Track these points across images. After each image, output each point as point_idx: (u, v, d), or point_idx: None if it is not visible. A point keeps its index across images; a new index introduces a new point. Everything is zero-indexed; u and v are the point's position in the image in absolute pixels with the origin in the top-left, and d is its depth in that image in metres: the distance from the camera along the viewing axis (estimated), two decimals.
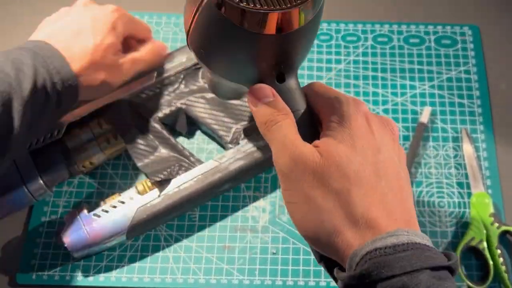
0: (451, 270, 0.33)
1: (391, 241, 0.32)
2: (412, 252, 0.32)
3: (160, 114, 0.62)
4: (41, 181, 0.56)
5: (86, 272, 0.58)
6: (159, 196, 0.57)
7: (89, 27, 0.54)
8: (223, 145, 0.63)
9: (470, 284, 0.56)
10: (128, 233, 0.57)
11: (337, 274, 0.35)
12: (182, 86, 0.63)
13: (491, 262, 0.57)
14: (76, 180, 0.63)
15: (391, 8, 0.74)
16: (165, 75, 0.63)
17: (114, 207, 0.57)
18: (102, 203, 0.58)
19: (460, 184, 0.62)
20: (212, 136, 0.64)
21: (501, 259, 0.57)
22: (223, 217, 0.61)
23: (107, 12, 0.56)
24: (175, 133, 0.65)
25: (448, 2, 0.74)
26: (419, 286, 0.31)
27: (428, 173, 0.63)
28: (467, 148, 0.63)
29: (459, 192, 0.62)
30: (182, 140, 0.65)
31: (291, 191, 0.36)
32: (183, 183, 0.58)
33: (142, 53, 0.59)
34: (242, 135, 0.60)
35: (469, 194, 0.61)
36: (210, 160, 0.59)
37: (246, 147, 0.59)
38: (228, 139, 0.61)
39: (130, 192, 0.58)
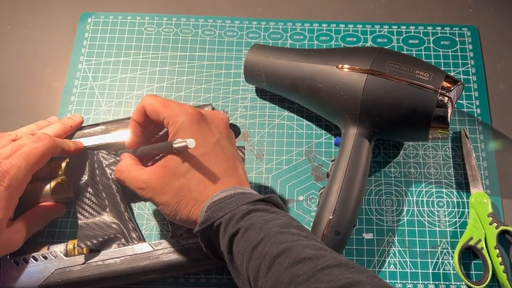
0: (269, 202, 0.48)
1: (222, 195, 0.47)
2: (237, 197, 0.46)
3: None
4: None
5: None
6: (82, 264, 0.54)
7: None
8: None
9: (469, 284, 0.57)
10: None
11: (195, 233, 0.47)
12: None
13: (489, 262, 0.57)
14: None
15: (391, 9, 0.74)
16: None
17: (35, 259, 0.54)
18: (27, 250, 0.54)
19: (459, 184, 0.63)
20: None
21: (499, 259, 0.57)
22: None
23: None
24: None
25: (447, 3, 0.74)
26: (241, 212, 0.45)
27: (427, 173, 0.63)
28: (466, 148, 0.63)
29: (458, 192, 0.62)
30: (140, 203, 0.62)
31: (157, 204, 0.50)
32: (109, 258, 0.54)
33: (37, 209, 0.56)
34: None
35: (468, 194, 0.62)
36: (146, 243, 0.55)
37: (187, 241, 0.55)
38: (175, 225, 0.57)
39: (59, 248, 0.55)
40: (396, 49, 0.70)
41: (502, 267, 0.57)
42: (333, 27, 0.72)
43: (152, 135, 0.56)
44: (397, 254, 0.59)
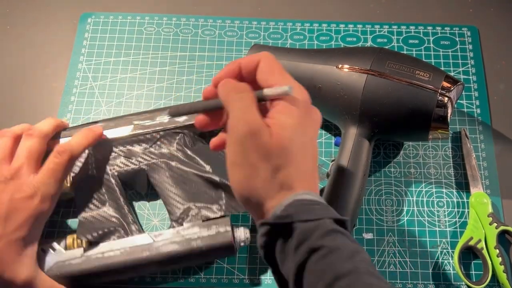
0: (344, 224, 0.43)
1: (307, 197, 0.42)
2: (321, 206, 0.42)
3: (120, 170, 0.59)
4: None
5: None
6: (81, 256, 0.54)
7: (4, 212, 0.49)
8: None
9: (469, 284, 0.57)
10: None
11: (260, 224, 0.42)
12: (155, 146, 0.60)
13: (489, 262, 0.57)
14: None
15: (391, 9, 0.74)
16: (142, 131, 0.60)
17: (44, 251, 0.54)
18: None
19: (459, 184, 0.63)
20: None
21: (499, 259, 0.57)
22: None
23: (27, 202, 0.51)
24: (137, 193, 0.62)
25: (447, 3, 0.74)
26: (326, 227, 0.40)
27: (427, 173, 0.63)
28: (466, 148, 0.63)
29: (458, 192, 0.62)
30: (140, 203, 0.62)
31: (239, 154, 0.43)
32: (109, 250, 0.54)
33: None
34: (188, 218, 0.56)
35: (468, 194, 0.62)
36: (146, 234, 0.55)
37: (187, 231, 0.54)
38: (174, 216, 0.57)
39: (58, 242, 0.55)
40: (396, 49, 0.70)
41: (502, 267, 0.57)
42: (333, 27, 0.72)
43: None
44: (397, 254, 0.59)
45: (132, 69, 0.70)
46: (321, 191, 0.58)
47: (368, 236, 0.60)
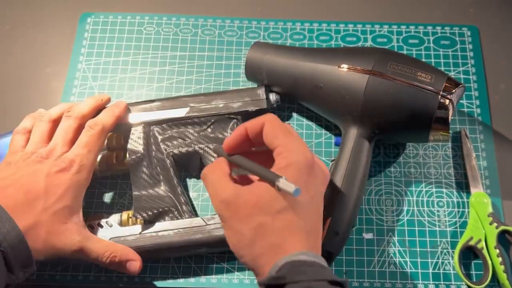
0: (342, 284, 0.42)
1: (302, 258, 0.43)
2: (317, 268, 0.43)
3: (175, 151, 0.61)
4: None
5: (88, 272, 0.58)
6: (136, 234, 0.56)
7: (42, 187, 0.51)
8: None
9: (469, 284, 0.57)
10: None
11: (258, 284, 0.44)
12: (209, 130, 0.61)
13: (489, 262, 0.57)
14: None
15: (391, 9, 0.74)
16: (197, 114, 0.61)
17: (92, 227, 0.56)
18: (83, 218, 0.55)
19: (459, 184, 0.63)
20: None
21: (499, 259, 0.57)
22: None
23: (62, 174, 0.52)
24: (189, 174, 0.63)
25: (447, 3, 0.74)
26: None
27: (427, 173, 0.63)
28: (466, 148, 0.63)
29: (458, 192, 0.62)
30: (192, 181, 0.64)
31: (225, 224, 0.47)
32: (163, 230, 0.56)
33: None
34: None
35: (468, 194, 0.62)
36: (199, 218, 0.57)
37: None
38: None
39: (114, 218, 0.57)
40: (396, 49, 0.70)
41: (502, 267, 0.57)
42: (333, 27, 0.72)
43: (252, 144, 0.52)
44: (397, 254, 0.59)
45: (132, 69, 0.70)
46: None
47: (368, 236, 0.60)
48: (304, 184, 0.46)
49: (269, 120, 0.49)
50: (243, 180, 0.52)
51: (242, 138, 0.50)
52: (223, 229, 0.49)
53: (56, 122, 0.57)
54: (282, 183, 0.44)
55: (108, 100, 0.61)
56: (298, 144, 0.48)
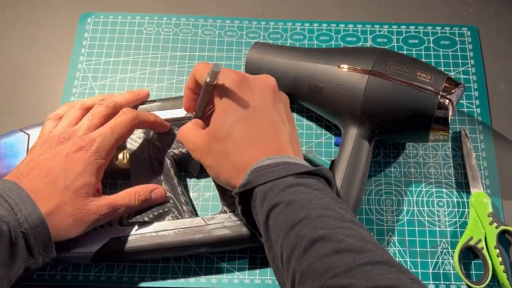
0: (316, 175, 0.47)
1: (267, 162, 0.47)
2: (282, 167, 0.46)
3: (175, 151, 0.61)
4: None
5: (88, 272, 0.59)
6: (135, 233, 0.56)
7: (62, 167, 0.51)
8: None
9: (469, 284, 0.57)
10: (94, 258, 0.55)
11: (232, 196, 0.49)
12: None
13: (489, 262, 0.57)
14: None
15: (391, 9, 0.74)
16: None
17: None
18: None
19: (459, 184, 0.63)
20: None
21: (499, 259, 0.57)
22: None
23: (83, 152, 0.53)
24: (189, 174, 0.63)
25: (447, 3, 0.74)
26: (283, 184, 0.44)
27: (427, 173, 0.63)
28: (466, 148, 0.63)
29: (458, 192, 0.62)
30: (192, 181, 0.63)
31: (204, 164, 0.53)
32: (163, 230, 0.56)
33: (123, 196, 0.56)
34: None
35: (468, 194, 0.62)
36: (199, 218, 0.57)
37: (239, 217, 0.56)
38: (225, 201, 0.58)
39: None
40: (396, 49, 0.70)
41: (502, 267, 0.57)
42: (333, 27, 0.72)
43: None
44: (397, 254, 0.59)
45: (132, 69, 0.70)
46: None
47: None
48: (240, 98, 0.51)
49: (196, 68, 0.54)
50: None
51: (190, 95, 0.56)
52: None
53: (87, 110, 0.57)
54: (207, 77, 0.50)
55: (147, 96, 0.63)
56: (222, 74, 0.51)
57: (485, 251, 0.58)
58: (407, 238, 0.60)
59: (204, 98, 0.54)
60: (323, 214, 0.42)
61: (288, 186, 0.45)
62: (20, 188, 0.49)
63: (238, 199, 0.48)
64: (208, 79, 0.51)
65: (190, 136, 0.54)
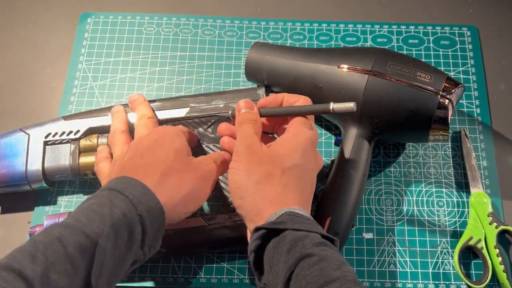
0: (332, 241, 0.46)
1: (300, 212, 0.47)
2: (312, 222, 0.47)
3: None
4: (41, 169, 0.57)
5: None
6: None
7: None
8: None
9: (469, 283, 0.57)
10: None
11: (255, 229, 0.46)
12: (210, 130, 0.61)
13: (489, 262, 0.57)
14: (77, 181, 0.63)
15: (390, 9, 0.74)
16: (198, 114, 0.61)
17: None
18: None
19: (459, 184, 0.63)
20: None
21: (499, 258, 0.57)
22: None
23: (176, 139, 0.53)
24: None
25: (447, 3, 0.74)
26: (313, 240, 0.44)
27: (427, 173, 0.63)
28: (466, 148, 0.63)
29: (458, 192, 0.62)
30: None
31: (238, 163, 0.50)
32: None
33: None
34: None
35: (468, 194, 0.62)
36: (200, 218, 0.57)
37: (240, 218, 0.55)
38: (225, 202, 0.59)
39: None
40: (396, 49, 0.70)
41: (502, 266, 0.57)
42: (333, 27, 0.72)
43: None
44: (397, 254, 0.59)
45: (132, 69, 0.70)
46: (321, 191, 0.58)
47: (368, 236, 0.60)
48: (311, 154, 0.51)
49: (305, 99, 0.54)
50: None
51: (275, 102, 0.54)
52: (230, 170, 0.50)
53: None
54: (336, 105, 0.51)
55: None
56: (311, 126, 0.52)
57: (485, 251, 0.58)
58: (407, 238, 0.60)
59: (317, 111, 0.53)
60: (357, 282, 0.42)
61: (321, 242, 0.44)
62: (140, 182, 0.47)
63: (260, 234, 0.46)
64: (336, 106, 0.50)
65: (254, 144, 0.51)
